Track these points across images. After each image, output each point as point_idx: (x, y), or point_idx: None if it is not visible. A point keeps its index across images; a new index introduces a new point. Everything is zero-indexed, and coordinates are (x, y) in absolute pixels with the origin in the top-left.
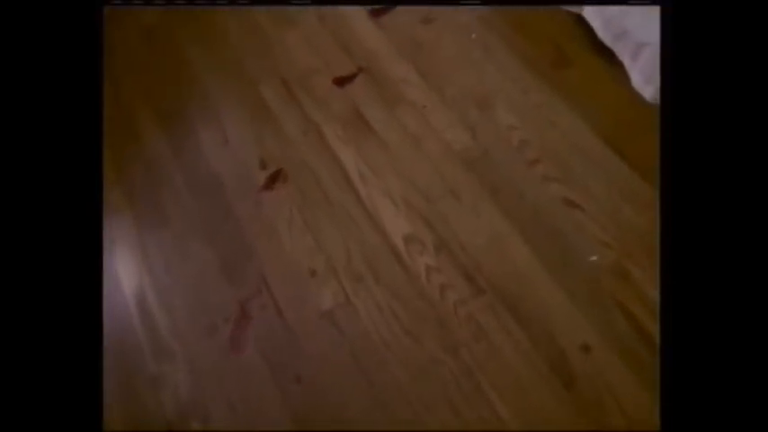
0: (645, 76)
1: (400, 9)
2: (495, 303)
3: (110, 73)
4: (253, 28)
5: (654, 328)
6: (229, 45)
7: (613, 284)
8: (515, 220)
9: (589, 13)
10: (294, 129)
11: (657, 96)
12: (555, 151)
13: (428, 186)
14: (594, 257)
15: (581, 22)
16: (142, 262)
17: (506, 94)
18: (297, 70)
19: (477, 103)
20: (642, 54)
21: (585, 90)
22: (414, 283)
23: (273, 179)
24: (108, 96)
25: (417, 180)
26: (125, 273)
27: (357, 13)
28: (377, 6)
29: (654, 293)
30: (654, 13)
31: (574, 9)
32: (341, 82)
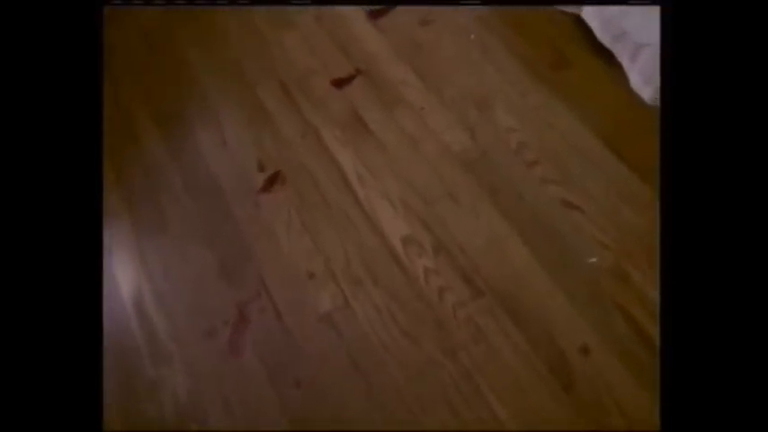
0: (644, 77)
1: (399, 10)
2: (493, 305)
3: (109, 73)
4: (252, 29)
5: (653, 330)
6: (229, 46)
7: (613, 286)
8: (514, 221)
9: (588, 13)
10: (292, 131)
11: (656, 97)
12: (554, 152)
13: (426, 188)
14: (594, 259)
15: (580, 23)
16: (140, 265)
17: (505, 96)
18: (295, 72)
19: (476, 105)
20: (641, 55)
21: (584, 91)
22: (412, 285)
23: (272, 181)
24: (107, 97)
25: (416, 181)
26: (123, 276)
27: (355, 15)
28: (375, 8)
29: (653, 295)
30: (652, 13)
31: (573, 10)
32: (339, 84)
